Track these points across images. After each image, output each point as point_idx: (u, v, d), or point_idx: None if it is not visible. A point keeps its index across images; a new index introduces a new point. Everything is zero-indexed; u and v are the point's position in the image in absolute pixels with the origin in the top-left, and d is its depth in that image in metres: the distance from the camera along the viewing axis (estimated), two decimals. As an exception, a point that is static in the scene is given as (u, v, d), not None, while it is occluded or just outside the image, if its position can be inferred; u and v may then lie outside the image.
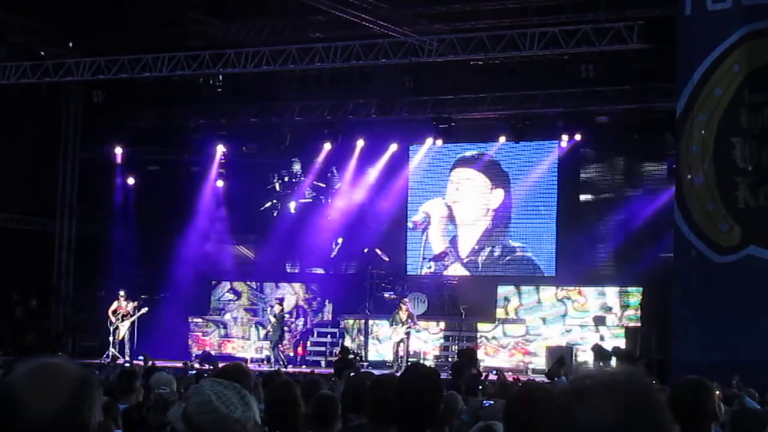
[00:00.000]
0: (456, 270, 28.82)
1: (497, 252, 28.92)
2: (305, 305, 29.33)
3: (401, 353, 25.14)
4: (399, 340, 25.27)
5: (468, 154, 29.42)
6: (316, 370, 22.62)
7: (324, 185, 30.75)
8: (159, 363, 19.50)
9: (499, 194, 28.93)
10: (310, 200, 30.93)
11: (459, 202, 29.33)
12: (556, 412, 2.34)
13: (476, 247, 29.02)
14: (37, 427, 2.66)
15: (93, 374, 2.85)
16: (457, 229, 29.27)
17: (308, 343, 28.50)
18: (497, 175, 29.00)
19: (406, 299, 26.02)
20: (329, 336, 28.32)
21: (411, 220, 29.38)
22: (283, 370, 20.40)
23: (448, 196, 29.43)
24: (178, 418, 4.01)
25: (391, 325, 25.44)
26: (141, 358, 21.16)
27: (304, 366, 26.17)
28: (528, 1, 24.08)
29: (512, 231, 28.80)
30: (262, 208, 31.06)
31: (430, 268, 28.81)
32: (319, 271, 30.73)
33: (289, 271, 31.09)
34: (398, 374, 5.81)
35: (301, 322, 28.59)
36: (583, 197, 28.58)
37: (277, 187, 31.23)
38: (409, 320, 25.15)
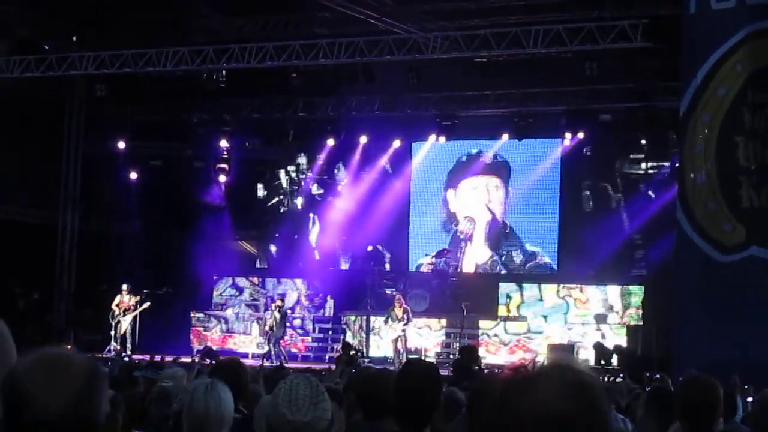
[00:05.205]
0: (457, 266, 28.79)
1: (499, 249, 28.91)
2: (305, 301, 29.30)
3: (400, 349, 25.12)
4: (396, 337, 25.23)
5: (472, 151, 29.41)
6: (318, 366, 22.60)
7: (330, 180, 30.75)
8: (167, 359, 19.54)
9: (501, 193, 28.91)
10: (315, 196, 30.94)
11: (463, 200, 29.35)
12: (500, 402, 2.35)
13: (479, 244, 29.02)
14: (45, 419, 2.63)
15: (100, 366, 2.85)
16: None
17: (309, 338, 28.50)
18: (500, 173, 28.99)
19: (399, 296, 25.92)
20: (330, 332, 28.31)
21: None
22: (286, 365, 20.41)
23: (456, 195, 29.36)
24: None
25: (386, 322, 25.41)
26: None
27: (304, 362, 26.15)
28: (532, -2, 24.09)
29: (515, 229, 28.77)
30: (269, 204, 31.09)
31: (431, 264, 28.77)
32: (322, 267, 30.66)
33: (291, 266, 31.06)
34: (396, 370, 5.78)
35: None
36: (585, 195, 28.54)
37: (284, 183, 31.25)
38: (405, 316, 25.08)
